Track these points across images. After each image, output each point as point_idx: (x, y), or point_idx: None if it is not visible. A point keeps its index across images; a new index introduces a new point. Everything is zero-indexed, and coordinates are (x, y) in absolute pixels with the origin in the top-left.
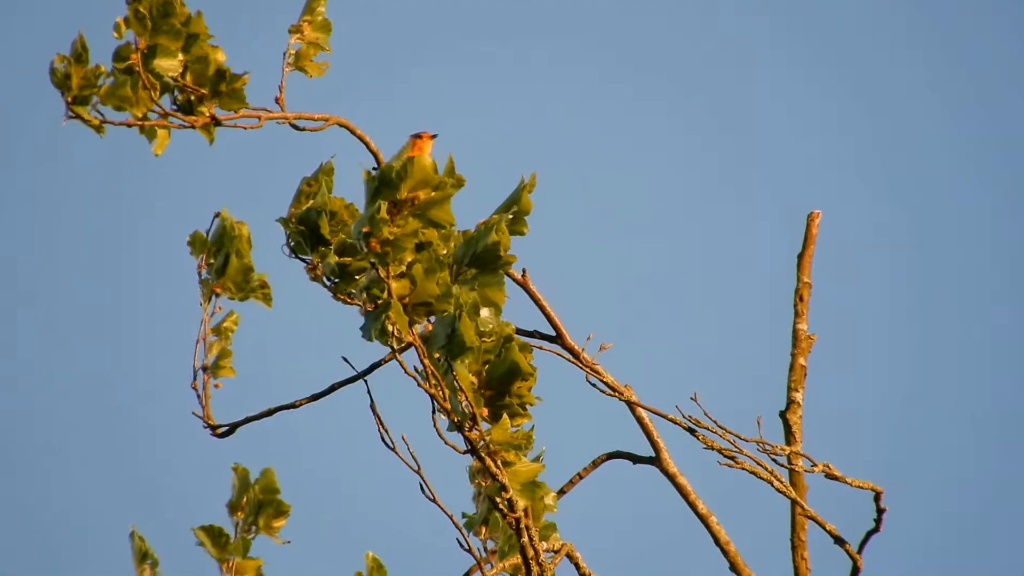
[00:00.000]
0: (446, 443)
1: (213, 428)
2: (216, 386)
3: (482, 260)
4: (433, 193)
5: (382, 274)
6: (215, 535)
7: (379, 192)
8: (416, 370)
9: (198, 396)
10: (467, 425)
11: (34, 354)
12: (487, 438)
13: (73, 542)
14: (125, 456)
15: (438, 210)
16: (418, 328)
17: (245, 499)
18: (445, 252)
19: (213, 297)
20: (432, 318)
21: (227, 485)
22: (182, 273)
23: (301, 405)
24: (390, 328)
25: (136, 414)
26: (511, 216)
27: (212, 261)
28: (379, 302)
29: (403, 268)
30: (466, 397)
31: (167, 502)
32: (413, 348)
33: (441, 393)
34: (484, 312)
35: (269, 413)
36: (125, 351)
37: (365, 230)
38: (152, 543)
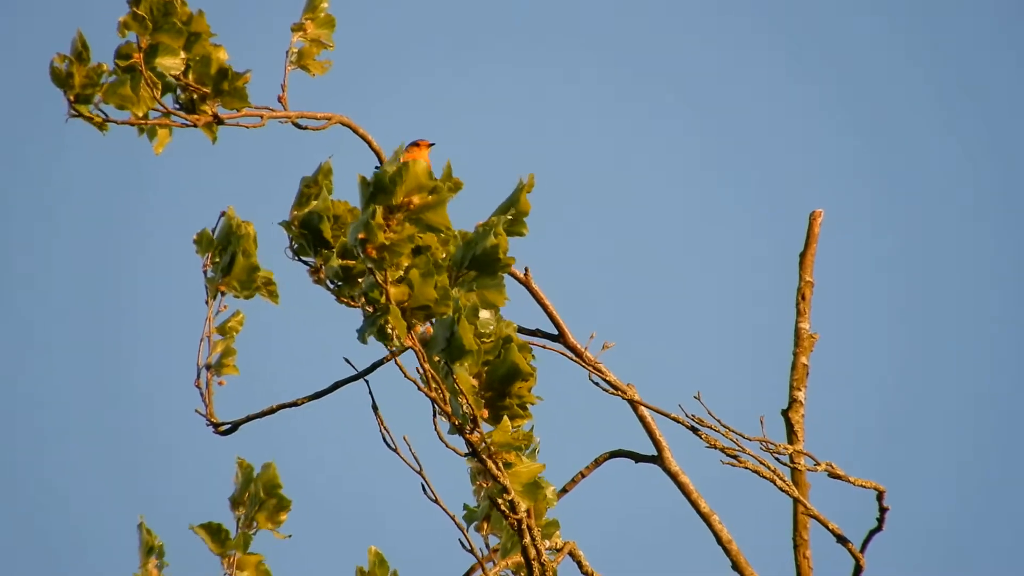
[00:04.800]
0: (447, 446)
1: (216, 426)
2: (220, 383)
3: (481, 263)
4: (429, 197)
5: (380, 279)
6: (214, 532)
7: (374, 197)
8: (418, 372)
9: (202, 394)
10: (468, 428)
11: (36, 352)
12: (488, 440)
13: (74, 539)
14: (127, 453)
15: (434, 214)
16: (418, 331)
17: (247, 494)
18: (444, 256)
19: (218, 296)
20: (432, 320)
21: (229, 482)
22: (186, 272)
23: (303, 403)
24: (389, 332)
25: (138, 411)
26: (510, 218)
27: (217, 260)
28: (377, 306)
29: (401, 273)
30: (467, 400)
31: (169, 499)
32: (414, 350)
33: (441, 396)
34: (484, 314)
35: (272, 411)
36: (128, 349)
37: (361, 236)
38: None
